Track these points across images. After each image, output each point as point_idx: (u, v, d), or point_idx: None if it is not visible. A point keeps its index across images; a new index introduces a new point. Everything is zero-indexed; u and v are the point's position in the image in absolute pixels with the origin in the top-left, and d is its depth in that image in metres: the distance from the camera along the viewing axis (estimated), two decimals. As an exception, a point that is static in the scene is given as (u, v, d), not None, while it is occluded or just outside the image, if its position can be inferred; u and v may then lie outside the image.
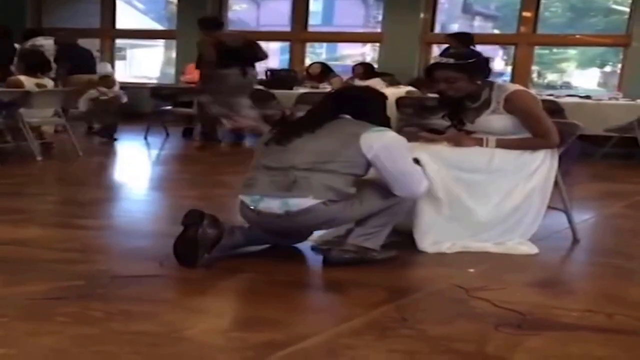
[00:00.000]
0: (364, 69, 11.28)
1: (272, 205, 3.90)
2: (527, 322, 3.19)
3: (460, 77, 4.54)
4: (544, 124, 4.58)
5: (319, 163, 3.89)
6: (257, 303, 3.42)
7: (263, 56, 10.03)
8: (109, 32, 14.79)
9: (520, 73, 12.23)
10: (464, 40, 10.37)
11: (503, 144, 4.54)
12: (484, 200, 4.46)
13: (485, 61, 4.71)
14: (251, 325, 3.07)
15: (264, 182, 3.97)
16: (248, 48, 9.67)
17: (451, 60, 4.56)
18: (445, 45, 11.12)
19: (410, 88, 10.42)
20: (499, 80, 4.88)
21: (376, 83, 10.54)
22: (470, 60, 4.59)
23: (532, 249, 4.46)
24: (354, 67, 11.65)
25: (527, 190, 4.53)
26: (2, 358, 2.64)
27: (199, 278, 3.72)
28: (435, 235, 4.36)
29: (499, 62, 15.42)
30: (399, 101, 9.83)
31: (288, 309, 3.31)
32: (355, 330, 3.04)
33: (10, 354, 2.67)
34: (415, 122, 9.30)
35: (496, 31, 15.93)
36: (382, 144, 3.94)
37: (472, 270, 4.03)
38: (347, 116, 4.11)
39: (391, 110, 9.71)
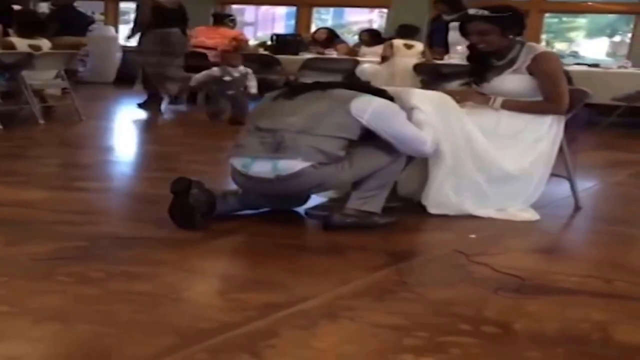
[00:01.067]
0: (370, 36, 11.22)
1: (263, 169, 3.88)
2: (526, 286, 3.20)
3: (492, 30, 4.50)
4: (560, 88, 4.56)
5: (308, 126, 3.89)
6: (257, 265, 3.43)
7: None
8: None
9: (529, 41, 12.14)
10: (452, 4, 10.28)
11: (510, 105, 4.52)
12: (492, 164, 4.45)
13: (521, 16, 4.68)
14: (251, 286, 3.08)
15: (253, 143, 3.97)
16: (183, 10, 9.83)
17: (485, 12, 4.52)
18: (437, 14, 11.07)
19: (408, 41, 10.37)
20: (531, 42, 4.83)
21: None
22: (504, 14, 4.54)
23: (533, 216, 4.46)
24: (360, 34, 11.59)
25: (534, 156, 4.51)
26: (4, 316, 2.66)
27: (198, 240, 3.73)
28: (440, 196, 4.35)
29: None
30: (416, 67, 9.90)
31: (288, 271, 3.32)
32: (355, 292, 3.05)
33: (12, 312, 2.69)
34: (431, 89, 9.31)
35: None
36: (373, 109, 3.96)
37: (473, 236, 4.03)
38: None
39: (407, 78, 9.78)
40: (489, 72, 4.64)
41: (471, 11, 4.59)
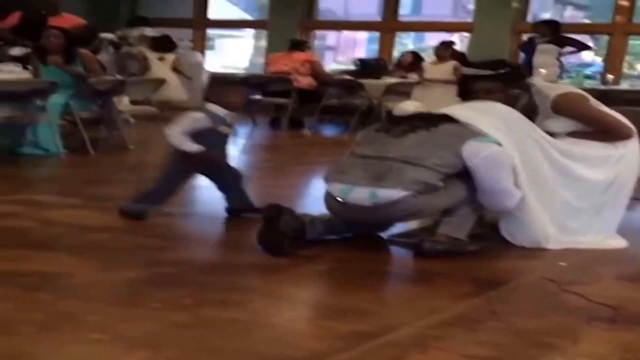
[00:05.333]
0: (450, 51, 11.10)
1: (361, 195, 3.89)
2: (620, 316, 3.12)
3: (497, 87, 4.48)
4: (604, 121, 4.48)
5: (416, 157, 3.91)
6: (344, 292, 3.42)
7: None
8: (201, 22, 14.92)
9: (613, 63, 11.97)
10: (552, 27, 10.24)
11: (575, 136, 4.46)
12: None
13: (519, 68, 4.67)
14: (339, 314, 3.07)
15: (356, 170, 3.99)
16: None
17: (487, 72, 4.51)
18: (530, 36, 11.00)
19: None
20: (534, 81, 4.80)
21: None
22: (504, 70, 4.54)
23: (620, 243, 4.36)
24: (437, 47, 11.31)
25: (610, 181, 4.42)
26: (96, 343, 2.69)
27: (285, 266, 3.74)
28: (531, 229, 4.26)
29: (588, 53, 15.06)
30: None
31: (375, 299, 3.31)
32: (444, 322, 3.01)
33: (104, 339, 2.72)
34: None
35: (587, 21, 15.60)
36: (485, 155, 3.93)
37: (563, 263, 3.96)
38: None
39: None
40: None
41: (470, 71, 4.60)
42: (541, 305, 3.31)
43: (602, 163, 4.40)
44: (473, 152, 3.93)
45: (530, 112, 4.44)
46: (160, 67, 11.20)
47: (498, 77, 4.50)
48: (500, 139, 4.06)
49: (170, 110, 10.85)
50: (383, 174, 3.89)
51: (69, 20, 9.49)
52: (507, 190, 4.02)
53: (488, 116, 4.17)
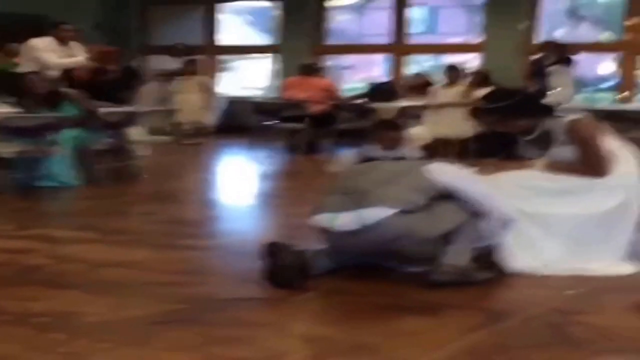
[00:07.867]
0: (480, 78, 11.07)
1: (347, 220, 3.94)
2: (629, 348, 3.13)
3: (497, 118, 4.69)
4: (599, 155, 4.53)
5: (392, 178, 4.04)
6: (354, 327, 3.43)
7: None
8: (210, 49, 14.92)
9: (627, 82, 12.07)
10: (558, 48, 10.25)
11: (552, 168, 4.56)
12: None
13: (527, 99, 4.84)
14: (349, 351, 3.10)
15: (335, 200, 4.07)
16: None
17: (488, 104, 4.70)
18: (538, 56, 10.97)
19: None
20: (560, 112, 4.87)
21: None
22: (502, 104, 4.64)
23: (628, 269, 4.35)
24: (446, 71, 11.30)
25: (607, 207, 4.45)
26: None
27: (295, 300, 3.77)
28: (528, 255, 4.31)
29: (609, 65, 14.98)
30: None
31: (385, 334, 3.31)
32: (453, 356, 3.04)
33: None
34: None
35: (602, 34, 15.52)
36: (447, 171, 4.12)
37: (570, 292, 3.96)
38: None
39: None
40: (541, 145, 4.67)
41: (479, 103, 4.81)
42: (549, 337, 3.31)
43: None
44: (439, 170, 4.09)
45: (545, 141, 4.58)
46: (187, 90, 12.15)
47: (493, 110, 4.66)
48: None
49: (187, 136, 11.07)
50: (363, 197, 3.96)
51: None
52: (488, 194, 4.12)
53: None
